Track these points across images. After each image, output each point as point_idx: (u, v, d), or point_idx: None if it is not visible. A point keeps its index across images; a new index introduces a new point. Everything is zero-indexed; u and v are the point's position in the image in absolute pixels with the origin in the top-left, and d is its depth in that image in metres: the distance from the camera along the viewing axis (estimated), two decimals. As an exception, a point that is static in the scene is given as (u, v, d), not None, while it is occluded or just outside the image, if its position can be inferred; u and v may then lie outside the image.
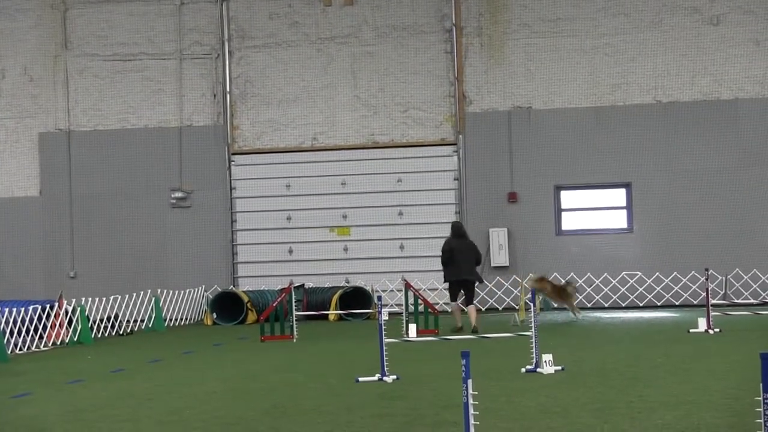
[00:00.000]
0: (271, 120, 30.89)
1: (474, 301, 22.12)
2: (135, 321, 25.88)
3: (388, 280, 29.09)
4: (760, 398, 6.59)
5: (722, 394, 11.17)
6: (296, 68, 30.86)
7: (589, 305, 28.92)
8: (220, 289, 28.85)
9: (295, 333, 20.79)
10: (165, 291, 27.33)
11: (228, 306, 27.26)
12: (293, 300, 22.17)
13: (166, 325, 26.39)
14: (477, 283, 22.18)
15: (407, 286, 22.68)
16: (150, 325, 25.80)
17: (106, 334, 23.88)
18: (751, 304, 25.80)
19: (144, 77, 31.28)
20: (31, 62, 31.60)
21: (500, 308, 29.00)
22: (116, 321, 24.63)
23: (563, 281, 26.07)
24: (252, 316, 26.71)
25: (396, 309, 25.30)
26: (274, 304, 21.74)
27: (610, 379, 12.85)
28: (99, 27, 31.41)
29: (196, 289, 29.08)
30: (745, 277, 28.39)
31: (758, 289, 28.18)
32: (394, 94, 30.44)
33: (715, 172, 29.11)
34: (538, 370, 13.38)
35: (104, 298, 24.65)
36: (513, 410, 10.48)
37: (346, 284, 29.22)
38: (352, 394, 12.09)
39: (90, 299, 23.87)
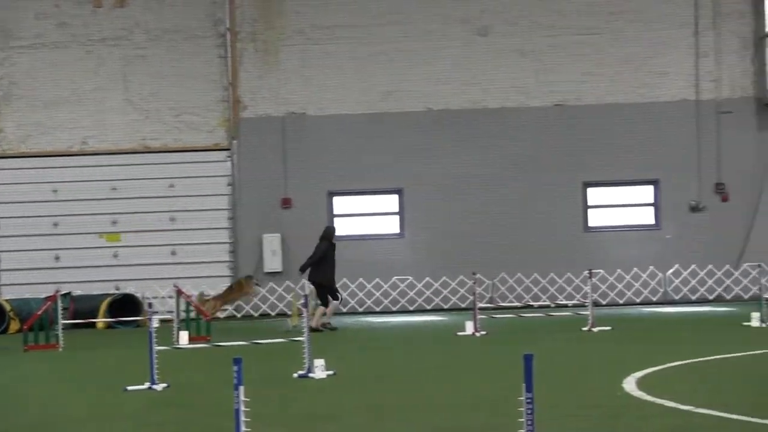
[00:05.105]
0: (37, 123, 29.90)
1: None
2: None
3: (160, 286, 28.55)
4: (523, 398, 6.78)
5: (489, 395, 11.46)
6: (65, 70, 30.00)
7: (360, 309, 29.25)
8: (-19, 298, 27.69)
9: (61, 342, 20.17)
10: None
11: (-11, 315, 26.18)
12: (59, 308, 21.50)
13: None
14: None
15: (179, 292, 22.36)
16: None
17: None
18: (516, 307, 26.69)
19: None
20: None
21: (273, 314, 28.97)
22: None
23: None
24: (15, 325, 25.76)
25: (167, 316, 24.90)
26: (39, 313, 21.01)
27: (381, 382, 13.00)
28: None
29: (-44, 298, 27.80)
30: (510, 281, 29.32)
31: (522, 293, 29.14)
32: (167, 98, 29.99)
33: (485, 178, 29.89)
34: (311, 375, 13.40)
35: None
36: (285, 415, 10.46)
37: (116, 291, 28.56)
38: (121, 403, 11.80)
39: None
